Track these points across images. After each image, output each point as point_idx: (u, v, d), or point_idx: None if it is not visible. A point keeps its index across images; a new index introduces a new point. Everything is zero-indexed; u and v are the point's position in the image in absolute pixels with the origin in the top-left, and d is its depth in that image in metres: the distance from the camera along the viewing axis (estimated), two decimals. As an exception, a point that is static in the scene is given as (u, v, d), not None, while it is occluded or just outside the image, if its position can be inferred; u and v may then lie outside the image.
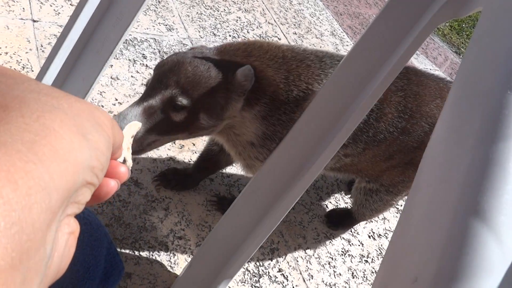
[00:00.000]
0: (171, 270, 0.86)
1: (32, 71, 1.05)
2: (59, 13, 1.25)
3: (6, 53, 1.06)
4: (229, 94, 0.72)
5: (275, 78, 0.76)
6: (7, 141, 0.17)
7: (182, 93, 0.68)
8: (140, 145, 0.69)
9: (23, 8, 1.20)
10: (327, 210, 1.15)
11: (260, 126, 0.78)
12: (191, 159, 1.07)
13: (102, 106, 1.07)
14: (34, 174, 0.17)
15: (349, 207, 1.19)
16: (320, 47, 1.79)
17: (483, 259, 0.23)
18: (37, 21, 1.19)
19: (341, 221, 1.10)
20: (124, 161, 0.32)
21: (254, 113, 0.77)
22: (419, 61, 2.23)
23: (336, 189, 1.23)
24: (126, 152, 0.32)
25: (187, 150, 1.09)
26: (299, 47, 0.84)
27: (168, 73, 0.69)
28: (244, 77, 0.71)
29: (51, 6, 1.26)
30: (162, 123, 0.68)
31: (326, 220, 1.11)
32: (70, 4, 1.30)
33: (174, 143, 1.09)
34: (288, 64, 0.78)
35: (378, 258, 1.10)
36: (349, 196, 1.23)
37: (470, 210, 0.24)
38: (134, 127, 0.35)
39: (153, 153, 1.03)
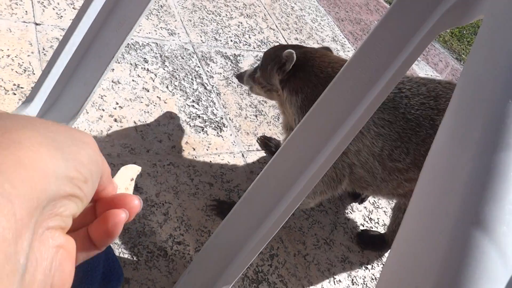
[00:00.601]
0: (169, 275, 0.85)
1: (34, 74, 1.06)
2: (61, 16, 1.25)
3: (8, 55, 1.06)
4: (274, 66, 0.98)
5: (319, 80, 0.92)
6: None
7: (260, 63, 1.05)
8: (249, 87, 1.11)
9: (26, 11, 1.20)
10: (359, 229, 1.16)
11: (296, 114, 0.95)
12: (190, 164, 1.07)
13: (103, 110, 1.08)
14: None
15: (350, 212, 1.19)
16: (321, 52, 1.79)
17: (484, 269, 0.23)
18: (40, 24, 1.19)
19: (373, 242, 1.11)
20: None
21: (293, 101, 0.95)
22: (420, 67, 2.23)
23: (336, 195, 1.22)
24: (124, 191, 0.31)
25: (187, 154, 1.09)
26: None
27: (275, 50, 1.03)
28: (285, 57, 0.94)
29: (53, 9, 1.26)
30: (254, 78, 1.07)
31: (357, 238, 1.12)
32: (73, 8, 1.30)
33: (174, 147, 1.09)
34: (334, 71, 0.92)
35: (378, 265, 1.10)
36: (356, 203, 1.22)
37: (471, 220, 0.24)
38: (133, 170, 0.35)
39: (153, 158, 1.03)
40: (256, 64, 1.34)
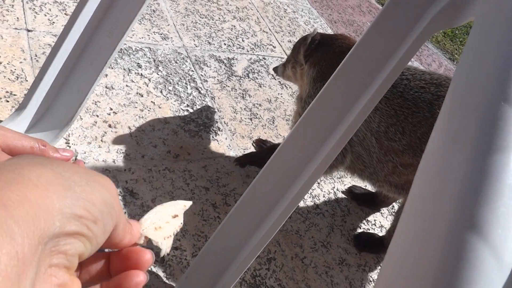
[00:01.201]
0: (167, 281, 0.85)
1: (27, 80, 1.05)
2: (53, 22, 1.25)
3: (0, 62, 1.05)
4: (301, 43, 1.08)
5: (334, 55, 1.00)
6: None
7: (292, 47, 1.15)
8: (282, 72, 1.20)
9: (17, 18, 1.19)
10: (356, 231, 1.16)
11: (308, 84, 1.03)
12: (186, 169, 1.07)
13: (97, 116, 1.07)
14: None
15: (347, 214, 1.19)
16: (315, 55, 1.80)
17: (479, 273, 0.23)
18: (32, 30, 1.19)
19: (370, 244, 1.11)
20: (149, 242, 0.29)
21: (310, 72, 1.04)
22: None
23: (333, 197, 1.22)
24: (152, 232, 0.29)
25: (182, 159, 1.09)
26: None
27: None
28: (310, 37, 1.05)
29: (45, 15, 1.26)
30: (287, 61, 1.17)
31: (354, 241, 1.12)
32: (65, 14, 1.30)
33: (169, 152, 1.08)
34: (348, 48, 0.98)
35: (375, 266, 1.10)
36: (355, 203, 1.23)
37: (465, 224, 0.24)
38: (177, 206, 0.32)
39: (149, 163, 1.03)
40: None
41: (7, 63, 1.06)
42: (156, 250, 0.30)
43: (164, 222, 0.31)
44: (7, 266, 0.16)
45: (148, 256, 0.27)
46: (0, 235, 0.17)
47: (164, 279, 0.85)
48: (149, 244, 0.30)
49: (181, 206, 0.33)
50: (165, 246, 0.30)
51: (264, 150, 1.16)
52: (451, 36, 2.89)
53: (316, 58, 1.04)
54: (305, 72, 1.07)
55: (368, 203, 1.23)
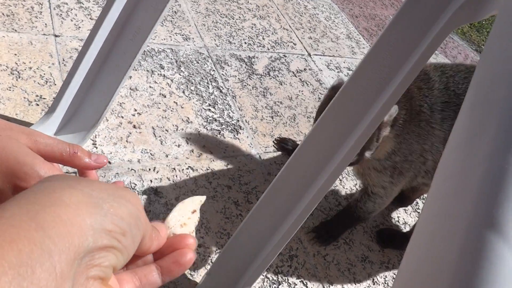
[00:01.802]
0: (190, 278, 0.87)
1: (55, 84, 1.09)
2: (79, 27, 1.29)
3: (30, 68, 1.10)
4: (378, 129, 0.86)
5: (418, 102, 0.89)
6: (15, 213, 0.20)
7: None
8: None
9: (45, 24, 1.24)
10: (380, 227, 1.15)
11: (393, 144, 0.90)
12: (209, 167, 1.08)
13: (122, 117, 1.10)
14: (35, 240, 0.19)
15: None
16: (336, 50, 1.78)
17: (499, 272, 0.23)
18: (59, 36, 1.23)
19: (393, 240, 1.10)
20: None
21: (392, 134, 0.89)
22: (438, 61, 2.19)
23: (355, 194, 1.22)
24: (179, 229, 0.32)
25: (205, 158, 1.11)
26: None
27: None
28: (389, 115, 0.84)
29: (71, 20, 1.30)
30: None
31: (376, 237, 1.12)
32: (90, 18, 1.34)
33: (192, 151, 1.10)
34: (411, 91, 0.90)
35: (398, 264, 1.09)
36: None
37: (485, 223, 0.24)
38: (194, 202, 0.34)
39: (172, 162, 1.05)
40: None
41: (37, 68, 1.11)
42: None
43: (187, 218, 0.33)
44: (47, 281, 0.18)
45: (191, 240, 0.30)
46: (40, 254, 0.19)
47: (188, 275, 0.87)
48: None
49: (198, 201, 0.35)
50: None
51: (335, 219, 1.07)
52: (477, 27, 2.80)
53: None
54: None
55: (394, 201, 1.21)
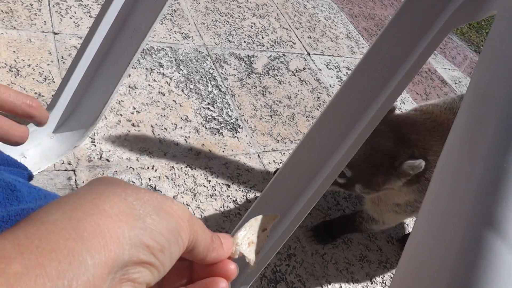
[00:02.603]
0: (189, 276, 0.87)
1: (54, 82, 1.09)
2: (78, 25, 1.29)
3: (29, 65, 1.10)
4: (390, 176, 0.77)
5: (435, 159, 0.78)
6: (57, 219, 0.20)
7: (348, 166, 0.76)
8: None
9: (45, 21, 1.24)
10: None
11: (414, 196, 0.83)
12: (207, 166, 1.08)
13: (121, 115, 1.10)
14: (74, 251, 0.19)
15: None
16: (335, 50, 1.79)
17: (497, 271, 0.23)
18: (58, 33, 1.23)
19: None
20: (242, 256, 0.29)
21: (413, 188, 0.81)
22: (437, 61, 2.19)
23: (353, 194, 1.22)
24: (246, 248, 0.29)
25: (203, 157, 1.11)
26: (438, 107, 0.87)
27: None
28: (411, 169, 0.75)
29: (70, 18, 1.30)
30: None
31: (400, 243, 1.13)
32: (89, 16, 1.34)
33: (191, 150, 1.10)
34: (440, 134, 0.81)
35: (396, 263, 1.09)
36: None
37: (483, 221, 0.24)
38: (266, 219, 0.32)
39: (171, 161, 1.05)
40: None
41: (36, 65, 1.10)
42: (245, 262, 0.31)
43: (256, 236, 0.31)
44: None
45: (232, 266, 0.28)
46: (78, 266, 0.18)
47: (187, 273, 0.87)
48: (240, 258, 0.30)
49: (271, 219, 0.33)
50: (254, 261, 0.30)
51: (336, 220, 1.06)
52: (476, 27, 2.80)
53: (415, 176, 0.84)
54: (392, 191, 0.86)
55: None
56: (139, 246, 0.21)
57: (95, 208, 0.21)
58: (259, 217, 0.32)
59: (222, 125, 1.22)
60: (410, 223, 1.21)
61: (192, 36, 1.46)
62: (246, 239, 0.30)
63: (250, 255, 0.30)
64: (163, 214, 0.23)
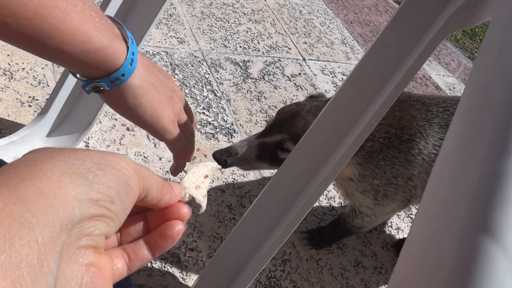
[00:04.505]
0: (183, 282, 0.86)
1: (48, 86, 1.08)
2: (74, 28, 1.28)
3: (23, 69, 1.09)
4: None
5: (375, 134, 0.84)
6: None
7: (291, 140, 0.82)
8: (248, 167, 0.86)
9: (40, 25, 1.23)
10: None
11: (356, 170, 0.87)
12: (202, 170, 1.08)
13: (115, 119, 1.09)
14: (14, 213, 0.18)
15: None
16: (331, 56, 1.79)
17: (493, 277, 0.23)
18: (53, 37, 1.22)
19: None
20: (192, 199, 0.32)
21: (352, 162, 0.86)
22: (432, 68, 2.21)
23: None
24: (194, 191, 0.32)
25: (198, 161, 1.10)
26: (406, 93, 0.89)
27: (285, 120, 0.84)
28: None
29: (66, 22, 1.29)
30: (269, 156, 0.84)
31: (395, 248, 1.13)
32: (85, 20, 1.33)
33: (186, 154, 1.10)
34: (391, 117, 0.85)
35: (392, 269, 1.09)
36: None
37: (479, 227, 0.24)
38: (206, 167, 0.35)
39: (166, 165, 1.05)
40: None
41: (30, 69, 1.10)
42: (194, 207, 0.33)
43: (201, 182, 0.34)
44: (28, 254, 0.18)
45: (185, 209, 0.30)
46: (19, 228, 0.18)
47: (180, 279, 0.86)
48: (191, 202, 0.32)
49: (210, 167, 0.36)
50: (204, 204, 0.34)
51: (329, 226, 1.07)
52: (470, 34, 2.83)
53: None
54: None
55: None
56: (88, 202, 0.22)
57: (33, 173, 0.21)
58: (199, 165, 0.35)
59: (218, 129, 1.22)
60: (405, 229, 1.21)
61: (188, 41, 1.46)
62: (192, 183, 0.33)
63: (199, 197, 0.33)
64: (106, 168, 0.23)
